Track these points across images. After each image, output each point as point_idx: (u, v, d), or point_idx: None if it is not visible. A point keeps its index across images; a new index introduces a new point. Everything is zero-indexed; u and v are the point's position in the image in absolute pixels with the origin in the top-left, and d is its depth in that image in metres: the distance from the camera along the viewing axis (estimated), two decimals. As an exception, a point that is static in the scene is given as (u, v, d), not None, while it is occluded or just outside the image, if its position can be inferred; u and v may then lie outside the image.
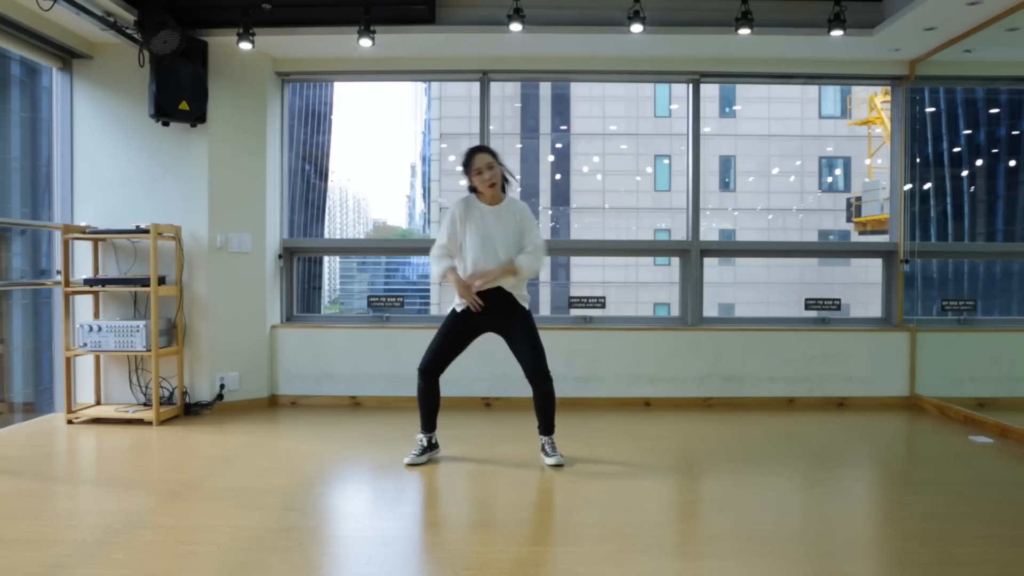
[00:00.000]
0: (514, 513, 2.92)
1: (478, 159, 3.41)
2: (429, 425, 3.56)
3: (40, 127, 5.82)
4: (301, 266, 5.52)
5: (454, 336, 3.49)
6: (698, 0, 4.58)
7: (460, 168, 3.55)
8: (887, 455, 3.94)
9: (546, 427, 3.54)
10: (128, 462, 3.64)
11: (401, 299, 5.18)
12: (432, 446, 3.58)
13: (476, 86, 5.19)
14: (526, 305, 3.50)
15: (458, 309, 3.47)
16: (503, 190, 3.47)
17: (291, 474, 3.38)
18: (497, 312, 3.44)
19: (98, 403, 4.68)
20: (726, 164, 19.76)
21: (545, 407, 3.51)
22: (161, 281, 4.45)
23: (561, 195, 19.53)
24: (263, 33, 4.54)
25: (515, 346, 3.49)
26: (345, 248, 8.74)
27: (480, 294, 3.40)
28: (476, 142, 5.21)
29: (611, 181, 19.53)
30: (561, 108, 19.63)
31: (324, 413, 4.76)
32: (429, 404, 3.53)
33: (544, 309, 16.66)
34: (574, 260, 17.92)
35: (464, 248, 3.45)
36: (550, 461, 3.47)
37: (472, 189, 3.49)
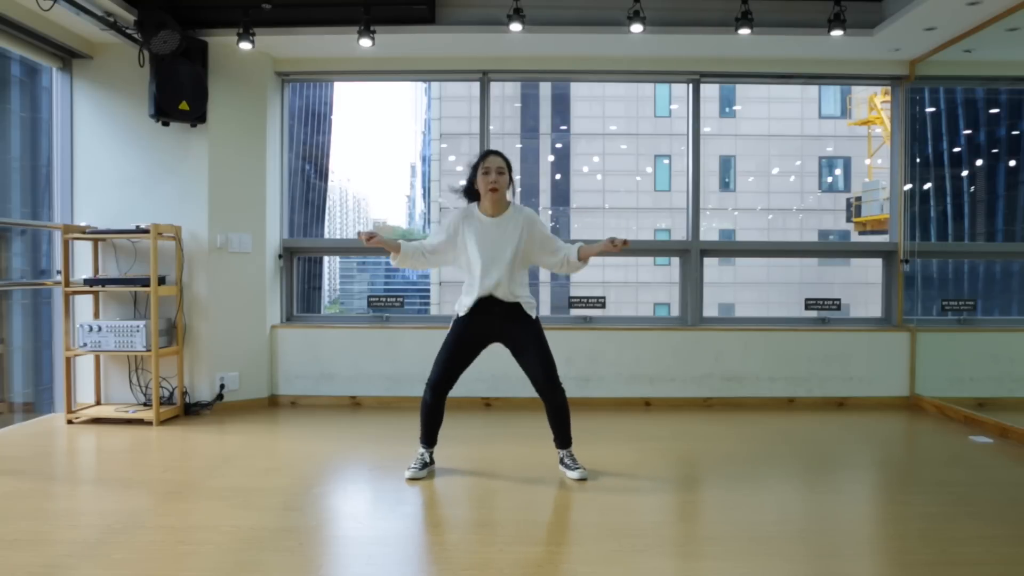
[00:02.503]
0: (514, 513, 2.92)
1: (490, 160, 3.28)
2: (431, 440, 3.40)
3: (40, 127, 5.82)
4: (301, 266, 5.52)
5: (461, 348, 3.31)
6: (698, 0, 4.58)
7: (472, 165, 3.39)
8: (887, 455, 3.93)
9: (562, 440, 3.38)
10: (128, 462, 3.64)
11: (401, 299, 5.18)
12: (432, 461, 3.44)
13: (476, 86, 5.19)
14: (533, 313, 3.32)
15: (460, 313, 3.34)
16: (504, 202, 3.32)
17: (291, 474, 3.38)
18: (504, 320, 3.29)
19: (98, 403, 4.68)
20: (726, 164, 19.76)
21: (559, 419, 3.34)
22: (161, 281, 4.45)
23: (561, 195, 19.53)
24: (263, 33, 4.54)
25: (522, 357, 3.32)
26: (345, 248, 8.68)
27: (486, 302, 3.27)
28: (476, 142, 5.24)
29: (611, 181, 19.53)
30: (561, 108, 19.62)
31: (324, 413, 4.76)
32: (434, 420, 3.38)
33: (544, 309, 16.65)
34: (574, 260, 17.89)
35: (468, 261, 3.31)
36: (573, 475, 3.29)
37: (467, 190, 3.38)
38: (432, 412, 3.37)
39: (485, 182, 3.26)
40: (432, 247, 3.37)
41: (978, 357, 4.89)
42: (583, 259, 3.29)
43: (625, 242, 3.21)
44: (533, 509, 2.96)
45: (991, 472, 3.48)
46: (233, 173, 4.79)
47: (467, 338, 3.33)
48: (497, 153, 3.34)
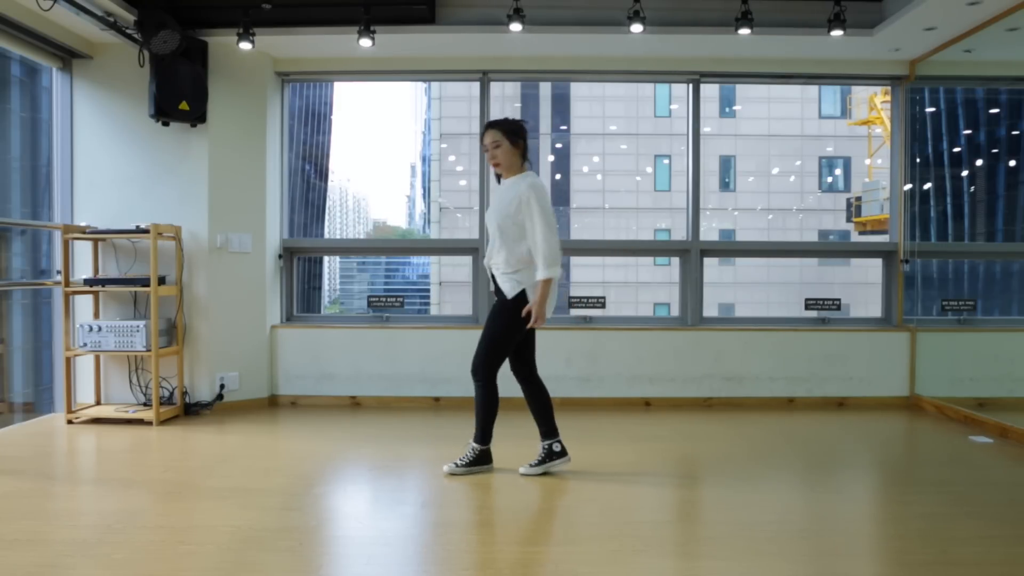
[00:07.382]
0: (514, 513, 2.92)
1: (485, 137, 3.35)
2: (553, 427, 3.37)
3: (40, 127, 5.82)
4: (301, 266, 5.52)
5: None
6: (698, 0, 4.58)
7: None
8: (887, 455, 3.93)
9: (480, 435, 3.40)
10: (128, 462, 3.64)
11: (401, 299, 5.18)
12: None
13: (476, 86, 5.19)
14: (510, 293, 3.22)
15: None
16: (514, 168, 3.32)
17: (291, 474, 3.38)
18: (496, 293, 3.35)
19: (98, 403, 4.68)
20: (726, 164, 19.76)
21: (477, 408, 3.36)
22: (161, 281, 4.45)
23: (561, 195, 19.52)
24: (263, 33, 4.54)
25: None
26: (345, 248, 8.74)
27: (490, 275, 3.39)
28: (476, 142, 5.23)
29: (611, 181, 19.53)
30: (561, 108, 19.62)
31: (324, 413, 4.76)
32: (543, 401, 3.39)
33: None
34: (574, 260, 17.81)
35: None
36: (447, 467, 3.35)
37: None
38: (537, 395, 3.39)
39: (488, 157, 3.36)
40: None
41: (978, 357, 4.89)
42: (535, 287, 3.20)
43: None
44: (533, 509, 2.96)
45: (991, 472, 3.48)
46: (233, 173, 4.79)
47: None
48: (490, 126, 3.34)
